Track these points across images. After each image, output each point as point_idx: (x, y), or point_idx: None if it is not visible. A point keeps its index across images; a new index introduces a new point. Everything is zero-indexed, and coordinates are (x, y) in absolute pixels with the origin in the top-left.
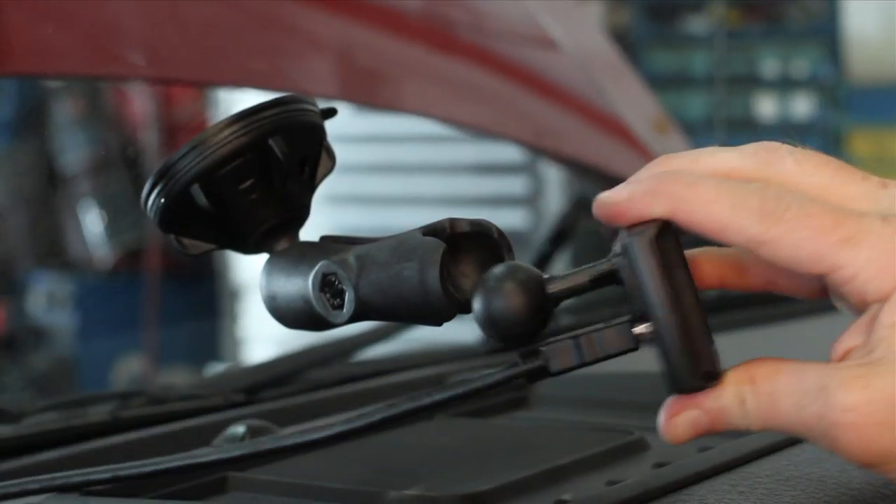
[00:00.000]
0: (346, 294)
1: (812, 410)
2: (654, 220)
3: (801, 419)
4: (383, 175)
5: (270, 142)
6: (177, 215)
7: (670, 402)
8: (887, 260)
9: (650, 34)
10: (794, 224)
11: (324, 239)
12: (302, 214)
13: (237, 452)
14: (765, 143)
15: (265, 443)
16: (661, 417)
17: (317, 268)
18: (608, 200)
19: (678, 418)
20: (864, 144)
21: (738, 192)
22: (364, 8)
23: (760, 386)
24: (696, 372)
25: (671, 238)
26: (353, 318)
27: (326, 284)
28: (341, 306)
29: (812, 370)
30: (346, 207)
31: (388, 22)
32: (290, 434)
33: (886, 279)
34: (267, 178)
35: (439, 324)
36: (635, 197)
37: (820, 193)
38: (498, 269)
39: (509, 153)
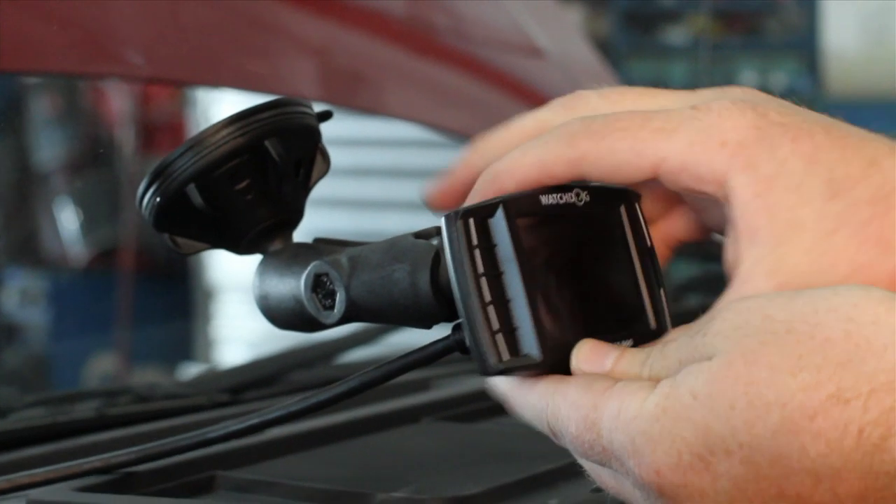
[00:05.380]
0: (338, 295)
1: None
2: (483, 204)
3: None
4: (363, 179)
5: (266, 143)
6: (172, 214)
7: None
8: (709, 137)
9: (629, 44)
10: (602, 131)
11: (317, 241)
12: (296, 216)
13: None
14: (572, 94)
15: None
16: None
17: (309, 268)
18: (431, 187)
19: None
20: None
21: (543, 136)
22: (351, 12)
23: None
24: (484, 365)
25: (505, 222)
26: (344, 319)
27: (318, 285)
28: (332, 307)
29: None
30: (324, 211)
31: (373, 26)
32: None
33: (717, 156)
34: (262, 179)
35: (429, 326)
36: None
37: None
38: None
39: None
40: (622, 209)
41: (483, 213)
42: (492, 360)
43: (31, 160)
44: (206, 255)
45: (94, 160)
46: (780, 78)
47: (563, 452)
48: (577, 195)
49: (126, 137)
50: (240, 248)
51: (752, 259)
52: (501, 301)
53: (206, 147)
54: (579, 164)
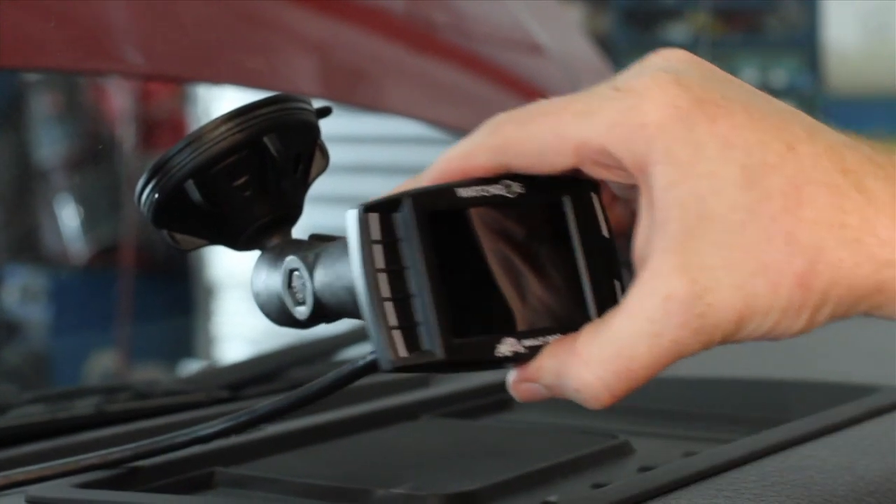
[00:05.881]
0: (306, 289)
1: None
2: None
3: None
4: (362, 175)
5: (265, 139)
6: (170, 211)
7: (519, 369)
8: (629, 119)
9: (629, 41)
10: (525, 117)
11: (312, 237)
12: (294, 212)
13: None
14: None
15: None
16: (510, 378)
17: (284, 263)
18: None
19: (522, 385)
20: None
21: (469, 136)
22: (350, 8)
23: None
24: (380, 361)
25: (412, 216)
26: (314, 314)
27: (292, 280)
28: (304, 302)
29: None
30: (324, 207)
31: (373, 23)
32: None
33: (636, 139)
34: (261, 175)
35: None
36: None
37: None
38: None
39: None
40: (566, 199)
41: (386, 206)
42: (388, 355)
43: (32, 157)
44: (206, 251)
45: (94, 157)
46: (780, 75)
47: (563, 449)
48: (507, 187)
49: (127, 134)
50: (238, 244)
51: (661, 251)
52: (403, 297)
53: (204, 143)
54: (503, 152)
